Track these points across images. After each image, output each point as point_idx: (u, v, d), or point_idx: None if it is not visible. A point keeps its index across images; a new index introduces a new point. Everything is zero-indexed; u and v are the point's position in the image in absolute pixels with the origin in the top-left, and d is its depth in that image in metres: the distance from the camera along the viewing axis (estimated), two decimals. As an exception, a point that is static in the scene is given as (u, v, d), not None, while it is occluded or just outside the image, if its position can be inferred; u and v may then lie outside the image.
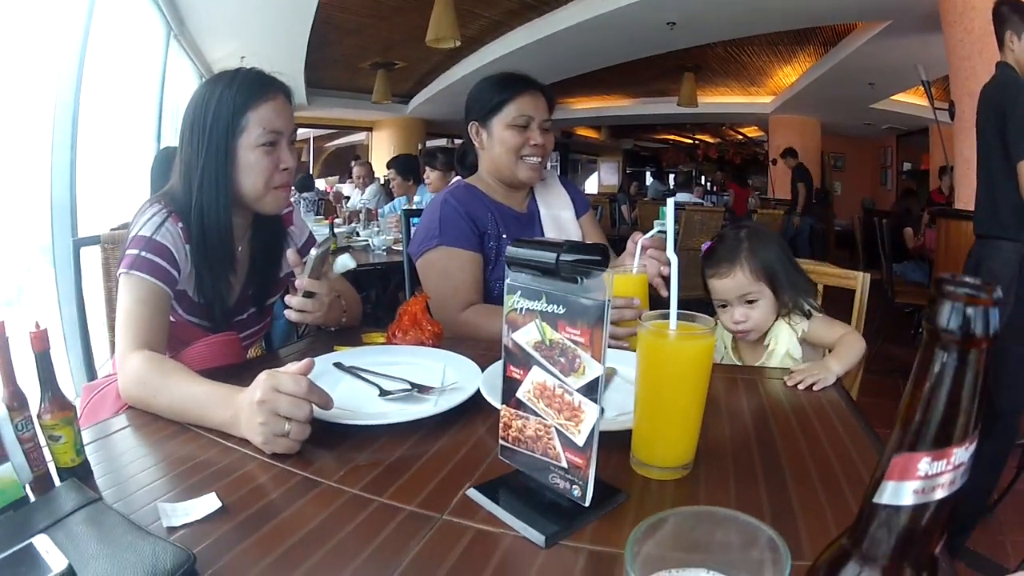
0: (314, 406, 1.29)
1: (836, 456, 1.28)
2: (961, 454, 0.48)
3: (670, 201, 1.30)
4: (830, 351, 1.98)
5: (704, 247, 2.24)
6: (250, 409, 1.27)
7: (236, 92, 1.82)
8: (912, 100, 12.49)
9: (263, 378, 1.27)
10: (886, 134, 15.87)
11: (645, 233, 2.05)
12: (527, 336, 1.03)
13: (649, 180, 21.73)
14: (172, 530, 1.01)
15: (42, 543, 0.88)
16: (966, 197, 4.85)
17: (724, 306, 2.18)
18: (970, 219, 4.59)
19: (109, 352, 2.60)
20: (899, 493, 0.50)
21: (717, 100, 15.62)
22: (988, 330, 0.46)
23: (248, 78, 1.87)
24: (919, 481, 0.49)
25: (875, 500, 0.52)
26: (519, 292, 1.04)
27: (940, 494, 0.49)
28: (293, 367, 1.31)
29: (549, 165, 2.65)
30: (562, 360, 0.99)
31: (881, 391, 4.32)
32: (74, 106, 4.41)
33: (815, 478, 1.18)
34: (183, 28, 8.36)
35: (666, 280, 2.00)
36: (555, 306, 0.99)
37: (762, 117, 16.03)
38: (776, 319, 2.15)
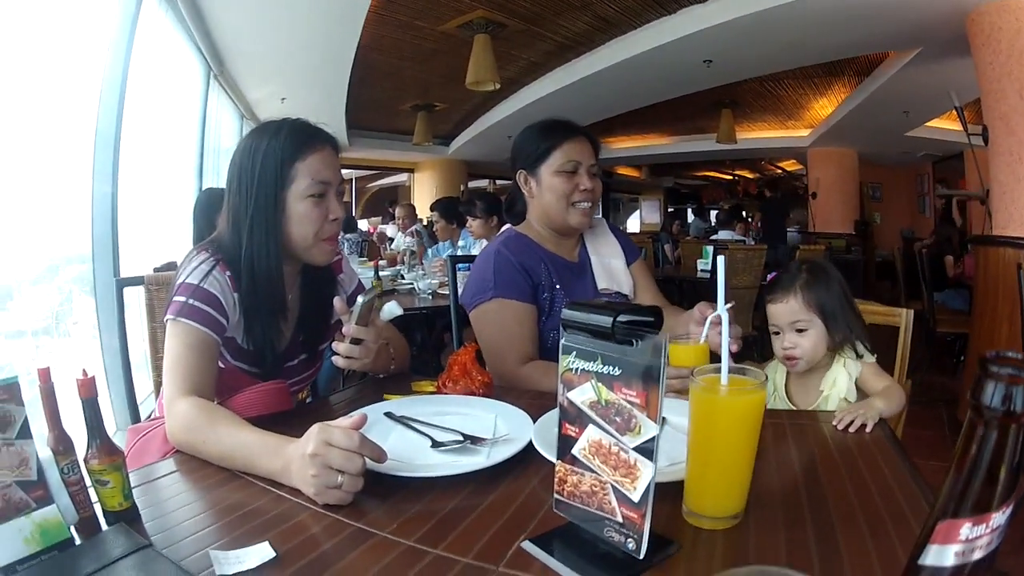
0: (367, 459, 1.30)
1: (881, 498, 1.29)
2: (999, 518, 0.51)
3: (720, 259, 1.32)
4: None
5: (769, 276, 2.30)
6: (302, 461, 1.29)
7: (284, 142, 1.85)
8: (946, 126, 12.40)
9: (315, 431, 1.30)
10: (922, 161, 15.75)
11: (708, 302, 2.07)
12: (583, 395, 1.05)
13: (691, 217, 21.65)
14: None
15: None
16: (1003, 222, 4.82)
17: (777, 333, 2.23)
18: (1008, 245, 4.58)
19: (154, 393, 2.64)
20: (942, 555, 0.53)
21: (755, 135, 15.56)
22: None
23: (295, 128, 1.90)
24: (960, 545, 0.52)
25: (920, 562, 0.55)
26: (574, 352, 1.06)
27: (978, 555, 0.52)
28: (345, 421, 1.33)
29: (599, 212, 2.66)
30: (618, 420, 1.01)
31: (925, 422, 4.29)
32: (115, 145, 4.47)
33: (861, 521, 1.18)
34: (223, 69, 8.48)
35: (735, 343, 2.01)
36: (611, 367, 1.01)
37: (800, 150, 15.94)
38: (831, 360, 2.19)
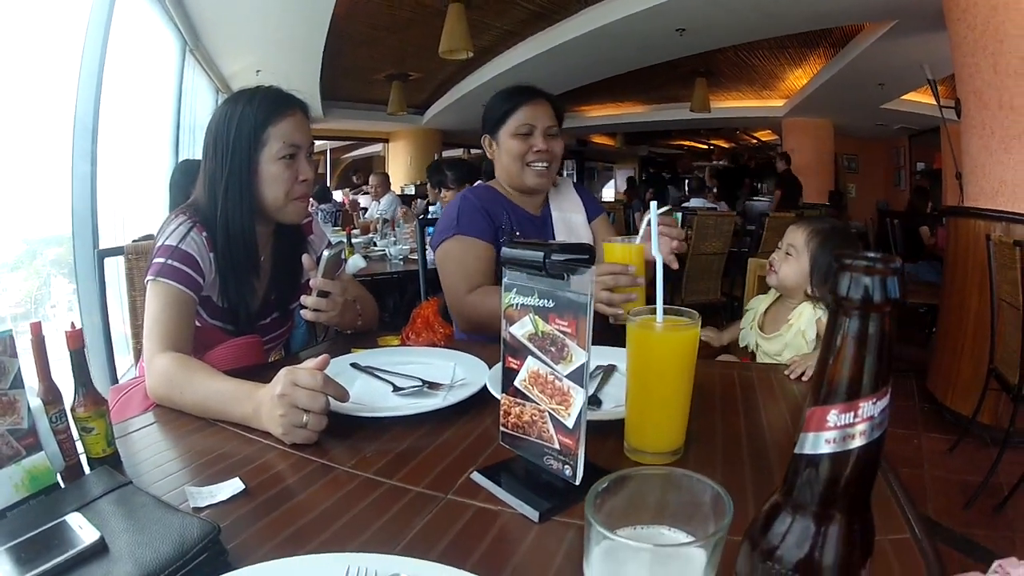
0: (331, 399, 1.37)
1: None
2: (868, 407, 0.55)
3: (653, 204, 1.38)
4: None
5: None
6: (271, 403, 1.36)
7: (257, 108, 1.92)
8: (922, 99, 12.41)
9: (283, 374, 1.37)
10: (898, 134, 15.73)
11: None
12: (522, 329, 1.12)
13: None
14: (198, 510, 1.10)
15: (75, 520, 0.96)
16: (974, 195, 4.87)
17: (779, 248, 2.48)
18: (978, 216, 4.64)
19: (133, 359, 2.68)
20: (816, 443, 0.57)
21: (730, 105, 15.49)
22: (886, 296, 0.53)
23: (268, 95, 1.97)
24: (832, 431, 0.56)
25: (796, 451, 0.60)
26: (515, 289, 1.13)
27: (854, 444, 0.56)
28: (310, 363, 1.40)
29: (566, 173, 2.72)
30: (552, 349, 1.08)
31: (894, 391, 4.39)
32: (93, 121, 4.46)
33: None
34: (199, 43, 8.44)
35: (678, 256, 2.10)
36: (546, 300, 1.08)
37: (775, 120, 15.90)
38: (800, 300, 2.40)
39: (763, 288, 2.74)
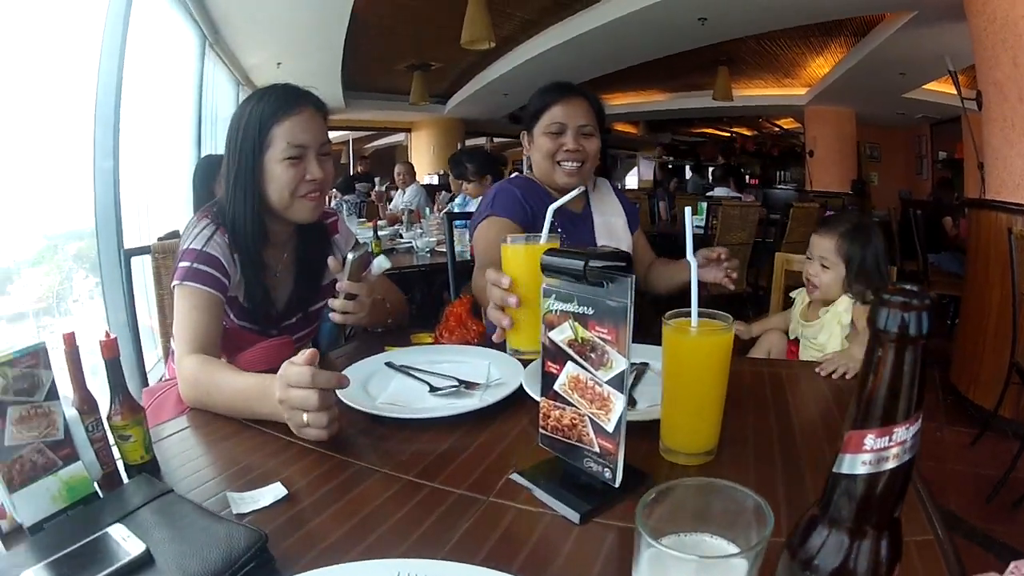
0: (339, 396, 1.41)
1: None
2: (902, 433, 0.58)
3: (687, 211, 1.39)
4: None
5: (827, 214, 2.62)
6: (280, 406, 1.38)
7: (264, 108, 1.92)
8: (943, 89, 12.30)
9: (279, 374, 1.38)
10: (920, 123, 15.58)
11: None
12: (562, 335, 1.14)
13: (688, 175, 21.42)
14: (241, 516, 1.11)
15: (118, 531, 0.95)
16: (996, 186, 4.84)
17: (810, 259, 2.56)
18: (1000, 209, 4.60)
19: (164, 357, 2.70)
20: (853, 464, 0.60)
21: (752, 93, 15.35)
22: (920, 331, 0.55)
23: (275, 94, 1.96)
24: (868, 454, 0.59)
25: (834, 470, 0.62)
26: (554, 295, 1.14)
27: (887, 466, 0.59)
28: (299, 358, 1.36)
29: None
30: (593, 355, 1.09)
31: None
32: (115, 117, 4.47)
33: (826, 465, 1.26)
34: (218, 37, 8.44)
35: (731, 279, 2.15)
36: (585, 307, 1.09)
37: (797, 109, 15.80)
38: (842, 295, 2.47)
39: (790, 281, 2.79)
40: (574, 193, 1.51)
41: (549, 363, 1.18)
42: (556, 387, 1.18)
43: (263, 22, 8.43)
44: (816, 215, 6.85)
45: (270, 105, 1.93)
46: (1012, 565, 0.81)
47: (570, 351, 1.13)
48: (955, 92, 6.37)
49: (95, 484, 1.16)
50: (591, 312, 1.09)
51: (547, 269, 1.16)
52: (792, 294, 2.83)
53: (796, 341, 2.70)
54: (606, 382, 1.08)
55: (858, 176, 15.26)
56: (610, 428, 1.09)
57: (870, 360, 0.59)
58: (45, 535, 1.03)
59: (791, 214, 6.88)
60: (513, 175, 2.66)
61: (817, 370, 1.84)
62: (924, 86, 12.49)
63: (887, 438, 0.58)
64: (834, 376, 1.80)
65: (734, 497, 0.75)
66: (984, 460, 4.00)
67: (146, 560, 0.91)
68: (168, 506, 1.05)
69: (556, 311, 1.14)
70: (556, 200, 2.23)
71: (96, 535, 0.95)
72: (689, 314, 1.29)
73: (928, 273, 6.52)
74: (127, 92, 4.62)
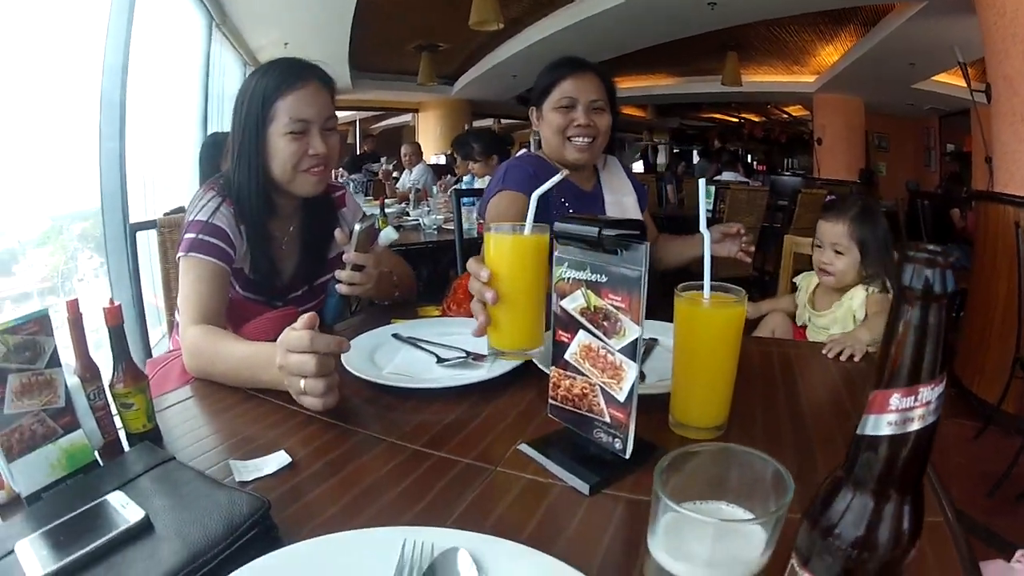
0: (345, 366, 1.41)
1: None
2: (927, 393, 0.57)
3: (701, 182, 1.38)
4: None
5: (828, 198, 2.60)
6: (280, 372, 1.37)
7: (267, 82, 1.91)
8: (952, 81, 12.26)
9: (279, 340, 1.37)
10: (929, 115, 15.54)
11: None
12: (574, 303, 1.13)
13: (696, 159, 21.36)
14: (244, 484, 1.10)
15: (117, 499, 0.94)
16: (1004, 180, 4.82)
17: (819, 247, 2.54)
18: (1008, 203, 4.58)
19: (168, 332, 2.70)
20: (877, 425, 0.59)
21: (760, 79, 15.30)
22: (945, 288, 0.54)
23: (279, 68, 1.94)
24: (893, 414, 0.58)
25: (859, 432, 0.61)
26: (566, 263, 1.13)
27: (912, 427, 0.58)
28: (299, 323, 1.36)
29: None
30: (605, 324, 1.08)
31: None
32: (121, 98, 4.46)
33: (840, 442, 1.25)
34: (225, 18, 8.43)
35: (747, 253, 2.14)
36: (598, 275, 1.08)
37: (806, 96, 15.75)
38: (856, 284, 2.47)
39: (798, 265, 2.77)
40: (556, 179, 1.44)
41: (560, 332, 1.17)
42: (567, 356, 1.16)
43: (270, 3, 8.41)
44: (823, 202, 6.86)
45: (274, 79, 1.91)
46: (1018, 553, 0.80)
47: (582, 319, 1.12)
48: (964, 84, 6.34)
49: (95, 453, 1.15)
50: (604, 280, 1.07)
51: (560, 236, 1.14)
52: (796, 279, 2.82)
53: (803, 327, 2.68)
54: (618, 350, 1.07)
55: (866, 165, 15.22)
56: (621, 397, 1.08)
57: (895, 318, 0.57)
58: (43, 504, 1.02)
59: (799, 200, 6.91)
60: (521, 152, 2.63)
61: (824, 351, 1.84)
62: (933, 77, 12.45)
63: (912, 398, 0.57)
64: (841, 357, 1.80)
65: (752, 464, 0.75)
66: (987, 455, 3.98)
67: (145, 527, 0.90)
68: (169, 473, 1.04)
69: (568, 279, 1.13)
70: (567, 177, 2.20)
71: (94, 503, 0.94)
72: (701, 287, 1.28)
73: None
74: (133, 73, 4.62)
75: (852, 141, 15.12)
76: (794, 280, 2.83)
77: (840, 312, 2.47)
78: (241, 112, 1.93)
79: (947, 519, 1.01)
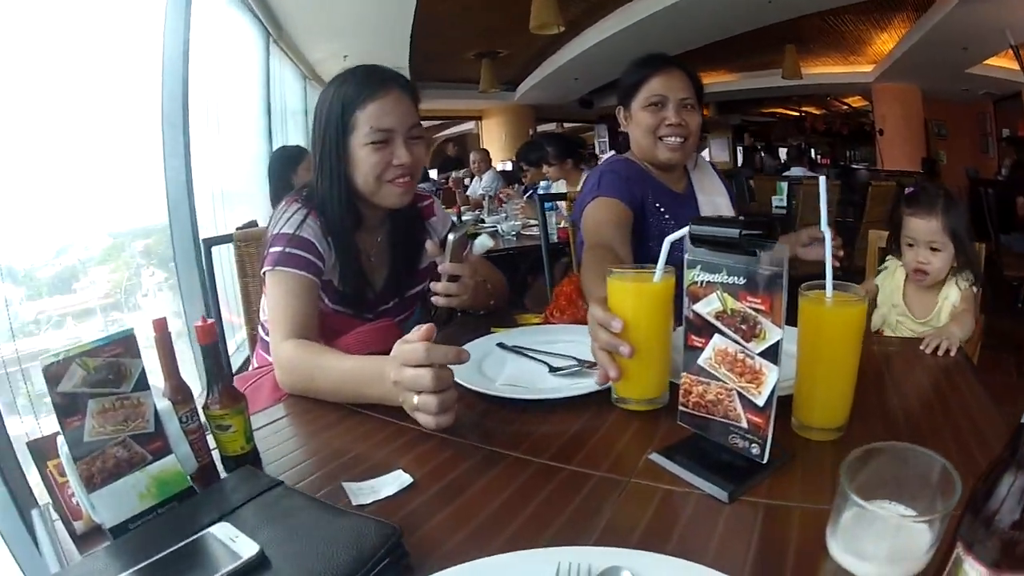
0: (456, 379, 1.33)
1: (962, 415, 1.34)
2: None
3: (822, 180, 1.35)
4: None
5: (908, 191, 2.48)
6: (395, 388, 1.33)
7: (346, 91, 1.89)
8: (1006, 64, 12.08)
9: (392, 354, 1.32)
10: (984, 99, 15.29)
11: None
12: (708, 307, 1.11)
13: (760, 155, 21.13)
14: (361, 508, 1.06)
15: (223, 530, 0.90)
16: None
17: (911, 245, 2.40)
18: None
19: (248, 347, 2.71)
20: None
21: (819, 71, 15.15)
22: None
23: (357, 76, 1.93)
24: None
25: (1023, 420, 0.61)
26: (699, 266, 1.11)
27: None
28: (413, 334, 1.30)
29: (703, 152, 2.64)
30: (744, 327, 1.06)
31: (992, 366, 4.24)
32: (183, 118, 4.51)
33: (948, 438, 1.24)
34: (281, 32, 8.49)
35: (837, 259, 2.10)
36: (736, 277, 1.06)
37: (865, 86, 15.57)
38: (948, 276, 2.38)
39: (883, 259, 2.70)
40: (683, 232, 1.38)
41: (693, 337, 1.15)
42: (700, 361, 1.14)
43: (326, 15, 8.47)
44: (893, 194, 6.76)
45: (352, 88, 1.90)
46: None
47: (718, 323, 1.10)
48: (1017, 67, 6.21)
49: (188, 479, 1.11)
50: (742, 282, 1.05)
51: (695, 239, 1.12)
52: (877, 279, 2.65)
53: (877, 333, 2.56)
54: (758, 354, 1.05)
55: (927, 154, 14.99)
56: (760, 402, 1.06)
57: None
58: (133, 536, 0.98)
59: (869, 193, 6.80)
60: (610, 155, 2.59)
61: (922, 347, 1.80)
62: (986, 61, 12.25)
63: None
64: (939, 352, 1.76)
65: (921, 462, 0.76)
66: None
67: (260, 562, 0.84)
68: (278, 500, 1.00)
69: (701, 282, 1.11)
70: (659, 181, 2.18)
71: (196, 535, 0.90)
72: (823, 286, 1.26)
73: (1000, 254, 6.32)
74: (194, 92, 4.67)
75: (912, 130, 14.91)
76: (880, 271, 2.72)
77: (943, 316, 2.37)
78: (321, 123, 1.92)
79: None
